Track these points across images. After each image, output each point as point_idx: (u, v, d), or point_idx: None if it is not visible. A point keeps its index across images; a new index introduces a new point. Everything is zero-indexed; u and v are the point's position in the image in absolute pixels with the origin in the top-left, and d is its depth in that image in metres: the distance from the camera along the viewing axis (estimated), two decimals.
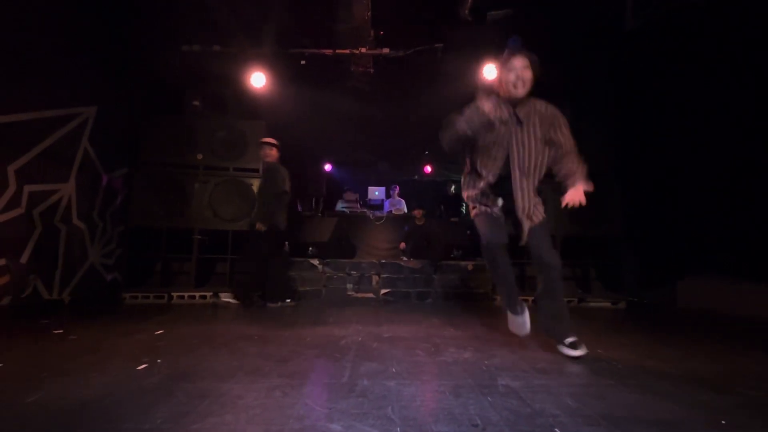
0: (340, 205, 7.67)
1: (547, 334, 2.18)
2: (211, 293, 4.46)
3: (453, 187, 8.92)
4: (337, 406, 1.35)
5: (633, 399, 1.47)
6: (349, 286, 4.78)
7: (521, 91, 2.01)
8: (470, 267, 4.87)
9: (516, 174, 2.06)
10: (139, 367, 1.78)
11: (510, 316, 2.27)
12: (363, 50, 4.71)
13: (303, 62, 4.87)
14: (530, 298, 4.49)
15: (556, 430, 1.20)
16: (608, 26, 4.10)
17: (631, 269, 4.91)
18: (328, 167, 9.13)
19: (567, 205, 2.02)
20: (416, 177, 9.59)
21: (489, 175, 2.10)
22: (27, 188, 3.40)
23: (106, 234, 4.46)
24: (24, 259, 3.39)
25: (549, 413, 1.31)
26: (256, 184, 4.62)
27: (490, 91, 2.10)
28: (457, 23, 4.26)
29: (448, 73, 4.98)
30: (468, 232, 6.18)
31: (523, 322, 2.24)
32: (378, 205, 8.42)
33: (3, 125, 3.16)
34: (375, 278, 4.81)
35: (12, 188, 3.25)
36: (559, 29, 4.31)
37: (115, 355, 2.00)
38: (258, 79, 4.92)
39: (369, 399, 1.42)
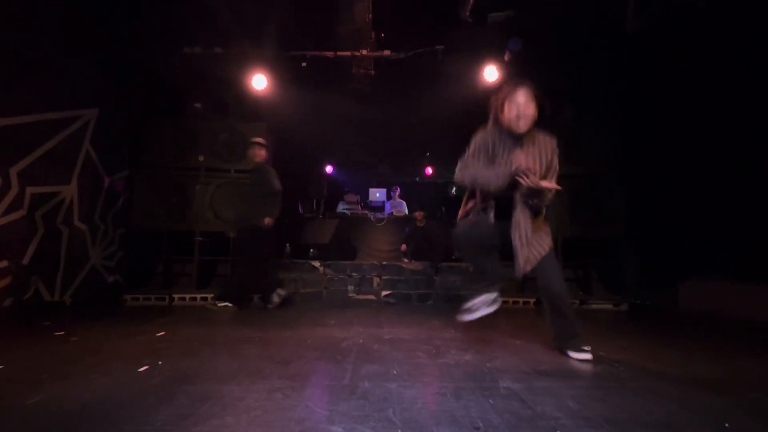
0: (341, 207, 7.68)
1: (561, 350, 2.17)
2: (212, 295, 4.47)
3: (454, 188, 8.92)
4: (338, 409, 1.35)
5: (635, 401, 1.47)
6: (350, 287, 4.77)
7: (523, 127, 2.03)
8: (471, 269, 4.86)
9: (518, 204, 2.07)
10: (141, 369, 1.78)
11: (476, 300, 2.16)
12: (364, 52, 4.72)
13: (304, 64, 4.87)
14: (531, 300, 4.51)
15: None
16: (608, 27, 4.10)
17: (633, 270, 4.90)
18: (329, 169, 9.14)
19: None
20: (417, 179, 9.60)
21: (490, 201, 2.13)
22: (29, 190, 3.41)
23: (108, 236, 4.46)
24: (26, 260, 3.40)
25: (550, 416, 1.31)
26: None
27: (495, 120, 2.13)
28: (457, 25, 4.27)
29: (449, 75, 4.99)
30: None
31: (483, 304, 2.14)
32: (379, 207, 8.43)
33: (5, 127, 3.18)
34: (376, 280, 4.81)
35: (14, 190, 3.27)
36: (559, 30, 4.31)
37: (116, 357, 2.00)
38: (259, 81, 4.94)
39: (370, 401, 1.42)
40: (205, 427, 1.20)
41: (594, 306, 4.47)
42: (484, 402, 1.43)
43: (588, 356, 2.03)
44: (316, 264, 4.82)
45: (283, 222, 4.32)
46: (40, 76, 3.47)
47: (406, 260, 5.31)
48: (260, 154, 4.14)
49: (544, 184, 1.97)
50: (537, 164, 2.07)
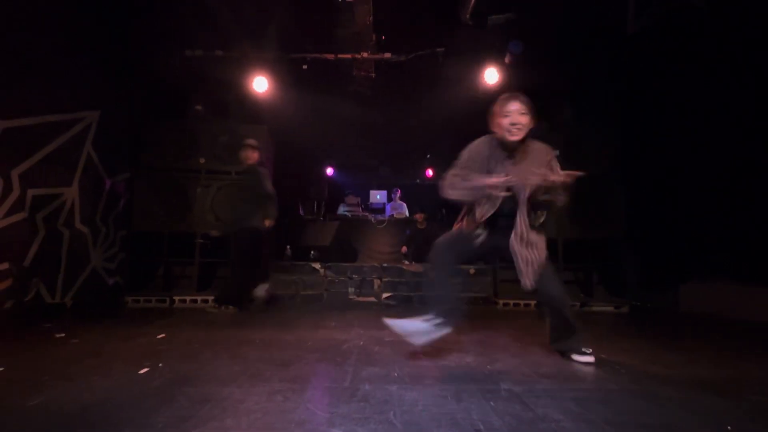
0: (341, 209, 7.69)
1: (563, 354, 2.17)
2: (213, 297, 4.46)
3: None
4: (338, 411, 1.34)
5: (637, 404, 1.46)
6: (351, 289, 4.77)
7: (517, 136, 2.04)
8: (472, 271, 4.85)
9: (518, 218, 2.08)
10: (141, 371, 1.78)
11: (426, 321, 2.08)
12: (365, 55, 4.73)
13: (305, 67, 4.89)
14: (532, 303, 4.49)
15: None
16: (608, 27, 4.11)
17: (633, 272, 4.88)
18: (329, 171, 9.15)
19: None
20: (418, 181, 9.61)
21: (485, 215, 2.13)
22: (30, 192, 3.42)
23: (109, 238, 4.47)
24: (27, 262, 3.41)
25: (552, 418, 1.30)
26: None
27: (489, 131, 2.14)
28: (458, 27, 4.28)
29: (450, 78, 5.00)
30: None
31: (429, 331, 2.06)
32: (380, 209, 8.44)
33: (7, 129, 3.19)
34: (377, 282, 4.81)
35: (16, 192, 3.27)
36: (559, 30, 4.32)
37: (116, 359, 2.01)
38: (260, 84, 4.95)
39: (371, 403, 1.42)
40: (205, 429, 1.20)
41: (595, 308, 4.46)
42: (485, 404, 1.43)
43: (590, 359, 2.03)
44: (317, 266, 4.82)
45: (283, 223, 4.32)
46: (40, 76, 3.47)
47: (406, 262, 5.31)
48: (252, 156, 4.12)
49: (555, 178, 1.96)
50: (530, 175, 2.06)
